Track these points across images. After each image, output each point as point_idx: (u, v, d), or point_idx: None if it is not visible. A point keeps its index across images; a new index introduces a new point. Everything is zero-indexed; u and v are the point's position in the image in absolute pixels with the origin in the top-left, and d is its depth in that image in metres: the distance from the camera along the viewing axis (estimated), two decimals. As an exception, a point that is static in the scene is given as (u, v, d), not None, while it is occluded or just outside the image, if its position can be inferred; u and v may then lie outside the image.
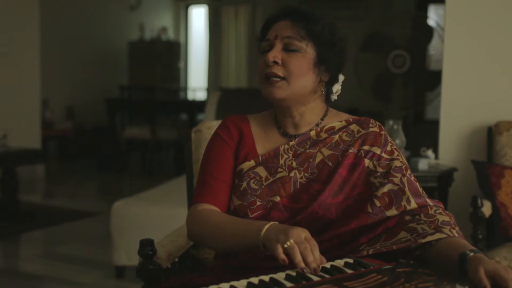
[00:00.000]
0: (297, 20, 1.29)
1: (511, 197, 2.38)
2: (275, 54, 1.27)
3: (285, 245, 1.02)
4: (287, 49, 1.28)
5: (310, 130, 1.34)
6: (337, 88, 1.36)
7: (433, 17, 6.71)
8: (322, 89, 1.33)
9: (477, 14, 2.82)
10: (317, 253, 1.02)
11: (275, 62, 1.27)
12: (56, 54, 7.34)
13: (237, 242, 1.16)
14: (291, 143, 1.33)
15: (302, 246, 1.02)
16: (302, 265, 0.99)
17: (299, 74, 1.27)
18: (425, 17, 4.72)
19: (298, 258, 1.00)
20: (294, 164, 1.30)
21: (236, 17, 8.92)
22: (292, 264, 1.01)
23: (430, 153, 2.78)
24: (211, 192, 1.31)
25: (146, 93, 8.19)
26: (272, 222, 1.11)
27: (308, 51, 1.28)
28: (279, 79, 1.27)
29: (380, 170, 1.27)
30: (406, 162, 1.31)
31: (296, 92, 1.28)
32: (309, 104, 1.33)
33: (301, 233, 1.04)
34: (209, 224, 1.23)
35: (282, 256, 1.01)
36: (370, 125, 1.34)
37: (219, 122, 1.74)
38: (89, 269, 3.30)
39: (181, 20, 9.74)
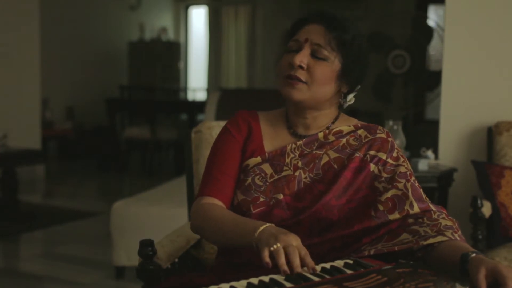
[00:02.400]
0: (331, 29, 1.28)
1: (511, 197, 2.38)
2: (302, 58, 1.27)
3: (272, 248, 1.02)
4: (315, 55, 1.28)
5: (319, 132, 1.35)
6: (351, 97, 1.36)
7: (433, 17, 6.71)
8: (340, 99, 1.35)
9: (477, 14, 2.82)
10: (308, 259, 1.02)
11: (301, 67, 1.27)
12: (56, 54, 7.34)
13: (234, 239, 1.17)
14: (298, 143, 1.34)
15: (290, 249, 1.01)
16: (285, 268, 0.99)
17: (321, 82, 1.28)
18: (425, 17, 4.72)
19: (282, 260, 0.99)
20: (300, 163, 1.31)
21: (236, 17, 8.92)
22: (275, 269, 1.00)
23: (430, 153, 2.78)
24: (216, 186, 1.31)
25: (146, 93, 8.19)
26: (268, 224, 1.11)
27: (334, 62, 1.29)
28: (300, 82, 1.27)
29: (385, 175, 1.28)
30: (411, 169, 1.32)
31: (314, 98, 1.29)
32: (323, 110, 1.34)
33: (292, 240, 1.04)
34: (210, 218, 1.24)
35: (267, 259, 1.01)
36: (378, 131, 1.35)
37: (220, 122, 1.75)
38: (89, 269, 3.30)
39: (181, 21, 9.74)
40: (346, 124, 1.37)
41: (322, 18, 1.30)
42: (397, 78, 4.08)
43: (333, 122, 1.37)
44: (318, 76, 1.27)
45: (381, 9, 7.14)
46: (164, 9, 9.50)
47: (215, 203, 1.29)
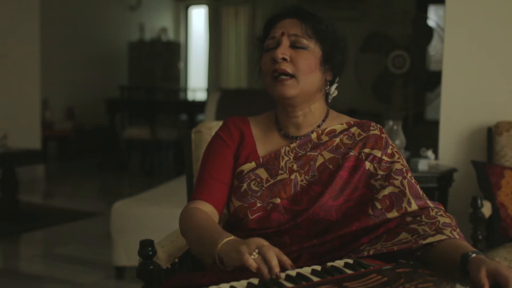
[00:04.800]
0: (304, 19, 1.30)
1: (511, 198, 2.38)
2: (283, 51, 1.27)
3: (252, 256, 1.00)
4: (294, 46, 1.28)
5: (312, 132, 1.34)
6: (333, 89, 1.37)
7: (433, 17, 6.71)
8: (326, 88, 1.34)
9: (477, 14, 2.82)
10: (284, 257, 1.00)
11: (284, 59, 1.27)
12: (56, 54, 7.34)
13: (202, 248, 1.16)
14: (292, 145, 1.33)
15: (265, 249, 0.99)
16: (277, 269, 0.97)
17: (307, 71, 1.28)
18: (425, 17, 4.72)
19: (275, 262, 0.98)
20: (295, 166, 1.31)
21: (236, 17, 8.92)
22: (252, 273, 0.99)
23: (430, 153, 2.78)
24: (207, 190, 1.31)
25: (146, 93, 8.19)
26: (229, 238, 1.07)
27: (315, 50, 1.29)
28: (288, 77, 1.27)
29: (381, 172, 1.27)
30: (407, 165, 1.31)
31: (305, 90, 1.29)
32: (314, 104, 1.34)
33: (262, 241, 1.02)
34: (189, 224, 1.24)
35: (254, 264, 0.98)
36: (371, 128, 1.34)
37: (219, 122, 1.75)
38: (89, 269, 3.30)
39: (181, 21, 9.74)
40: (338, 122, 1.36)
41: (293, 11, 1.32)
42: (397, 79, 4.08)
43: (323, 120, 1.36)
44: (303, 66, 1.27)
45: (381, 9, 7.14)
46: (164, 9, 9.50)
47: (200, 208, 1.28)
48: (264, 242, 1.02)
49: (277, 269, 0.97)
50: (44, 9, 6.26)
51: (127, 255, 3.04)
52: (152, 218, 3.05)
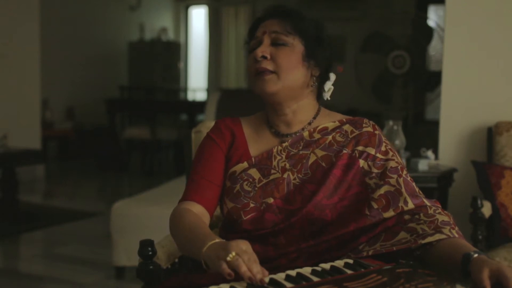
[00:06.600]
0: (284, 17, 1.31)
1: (511, 198, 2.38)
2: (264, 49, 1.29)
3: (228, 258, 0.99)
4: (275, 43, 1.29)
5: (303, 129, 1.34)
6: (329, 86, 1.37)
7: (433, 17, 6.71)
8: (312, 84, 1.33)
9: (477, 14, 2.82)
10: (258, 266, 0.98)
11: (264, 57, 1.28)
12: (56, 54, 7.34)
13: (189, 251, 1.16)
14: (284, 145, 1.32)
15: (246, 257, 0.98)
16: (249, 274, 0.96)
17: (288, 67, 1.28)
18: (425, 17, 4.72)
19: (244, 268, 0.96)
20: (287, 165, 1.30)
21: (236, 17, 8.92)
22: (238, 277, 0.98)
23: (430, 153, 2.78)
24: (197, 191, 1.31)
25: (146, 93, 8.19)
26: (214, 241, 1.06)
27: (296, 45, 1.30)
28: (268, 73, 1.28)
29: (376, 170, 1.26)
30: (402, 162, 1.30)
31: (287, 86, 1.28)
32: (301, 101, 1.33)
33: (241, 245, 1.01)
34: (179, 225, 1.24)
35: (227, 270, 0.98)
36: (364, 125, 1.33)
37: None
38: (89, 270, 3.30)
39: (181, 21, 9.74)
40: (330, 120, 1.35)
41: (275, 12, 1.33)
42: (397, 79, 4.08)
43: (314, 117, 1.35)
44: (283, 62, 1.27)
45: (381, 9, 7.14)
46: (164, 9, 9.50)
47: (190, 209, 1.27)
48: (243, 246, 1.01)
49: (259, 275, 0.96)
50: (44, 9, 6.26)
51: (127, 255, 3.04)
52: (152, 218, 3.05)
